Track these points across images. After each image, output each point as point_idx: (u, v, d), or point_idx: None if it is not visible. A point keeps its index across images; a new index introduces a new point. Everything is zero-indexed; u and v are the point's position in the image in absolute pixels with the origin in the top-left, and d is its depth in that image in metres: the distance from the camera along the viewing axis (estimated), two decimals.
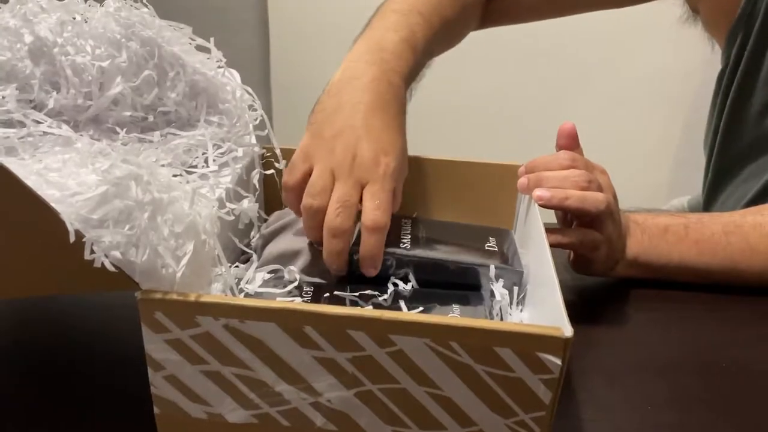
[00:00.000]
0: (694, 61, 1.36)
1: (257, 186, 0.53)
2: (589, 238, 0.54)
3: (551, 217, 0.58)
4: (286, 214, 0.57)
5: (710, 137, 0.78)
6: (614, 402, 0.47)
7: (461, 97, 1.47)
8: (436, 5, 0.63)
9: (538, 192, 0.51)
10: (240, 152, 0.51)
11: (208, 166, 0.49)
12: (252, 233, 0.53)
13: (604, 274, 0.59)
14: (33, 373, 0.48)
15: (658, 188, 1.44)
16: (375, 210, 0.45)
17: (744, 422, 0.46)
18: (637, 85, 1.44)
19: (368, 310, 0.37)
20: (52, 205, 0.34)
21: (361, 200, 0.45)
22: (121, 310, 0.53)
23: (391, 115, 0.50)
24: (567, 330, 0.35)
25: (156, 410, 0.40)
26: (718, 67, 0.75)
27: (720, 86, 0.74)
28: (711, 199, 0.79)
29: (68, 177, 0.35)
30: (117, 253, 0.35)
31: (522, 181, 0.54)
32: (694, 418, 0.46)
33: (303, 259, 0.51)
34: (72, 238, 0.33)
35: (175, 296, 0.36)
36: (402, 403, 0.38)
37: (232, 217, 0.42)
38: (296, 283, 0.47)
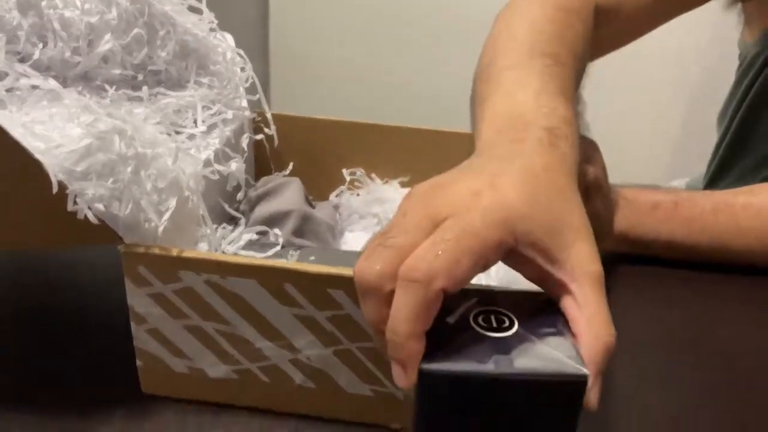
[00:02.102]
0: (701, 39, 1.34)
1: (246, 149, 0.53)
2: None
3: None
4: (274, 179, 0.57)
5: (730, 114, 0.77)
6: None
7: (457, 68, 1.46)
8: (570, 42, 0.49)
9: None
10: (230, 114, 0.51)
11: (197, 127, 0.49)
12: (239, 196, 0.54)
13: None
14: (19, 327, 0.48)
15: (659, 169, 1.44)
16: None
17: (726, 400, 0.46)
18: (642, 63, 1.43)
19: (347, 269, 0.37)
20: (37, 156, 0.34)
21: None
22: (107, 267, 0.53)
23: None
24: None
25: (138, 363, 0.41)
26: (727, 46, 0.75)
27: (752, 66, 0.73)
28: (716, 177, 0.79)
29: (54, 130, 0.36)
30: (100, 206, 0.35)
31: None
32: (674, 395, 0.47)
33: (292, 222, 0.51)
34: (55, 189, 0.33)
35: (157, 250, 0.37)
36: (379, 361, 0.39)
37: (217, 177, 0.42)
38: (279, 248, 0.47)
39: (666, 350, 0.51)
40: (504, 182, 0.31)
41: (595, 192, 0.54)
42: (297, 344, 0.39)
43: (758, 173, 0.71)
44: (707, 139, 0.85)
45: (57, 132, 0.35)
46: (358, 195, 0.62)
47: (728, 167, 0.77)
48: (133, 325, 0.40)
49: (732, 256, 0.59)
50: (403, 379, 0.28)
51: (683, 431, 0.43)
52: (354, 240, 0.58)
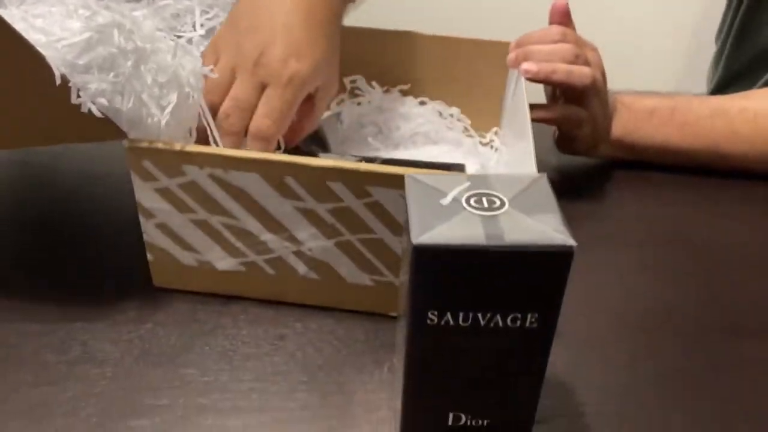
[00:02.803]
0: None
1: None
2: (573, 114, 0.55)
3: (541, 96, 0.58)
4: None
5: (725, 31, 0.76)
6: (583, 268, 0.49)
7: None
8: None
9: (525, 65, 0.51)
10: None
11: (195, 31, 0.49)
12: None
13: (587, 154, 0.60)
14: (31, 229, 0.50)
15: (668, 78, 1.42)
16: (264, 117, 0.42)
17: (708, 289, 0.48)
18: None
19: (347, 162, 0.38)
20: (38, 49, 0.35)
21: None
22: (115, 168, 0.55)
23: (317, 20, 0.45)
24: None
25: (149, 257, 0.43)
26: None
27: None
28: (719, 85, 0.78)
29: (54, 24, 0.36)
30: (103, 101, 0.36)
31: (511, 56, 0.54)
32: (659, 284, 0.49)
33: None
34: (58, 81, 0.34)
35: (161, 145, 0.38)
36: (379, 252, 0.41)
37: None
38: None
39: (651, 243, 0.53)
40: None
41: (593, 96, 0.55)
42: (299, 236, 0.41)
43: (758, 75, 0.70)
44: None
45: (57, 26, 0.35)
46: (358, 104, 0.63)
47: (729, 87, 0.76)
48: (142, 220, 0.41)
49: (727, 161, 0.60)
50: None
51: (673, 314, 0.45)
52: (355, 149, 0.59)
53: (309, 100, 0.46)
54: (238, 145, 0.43)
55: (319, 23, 0.45)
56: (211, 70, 0.42)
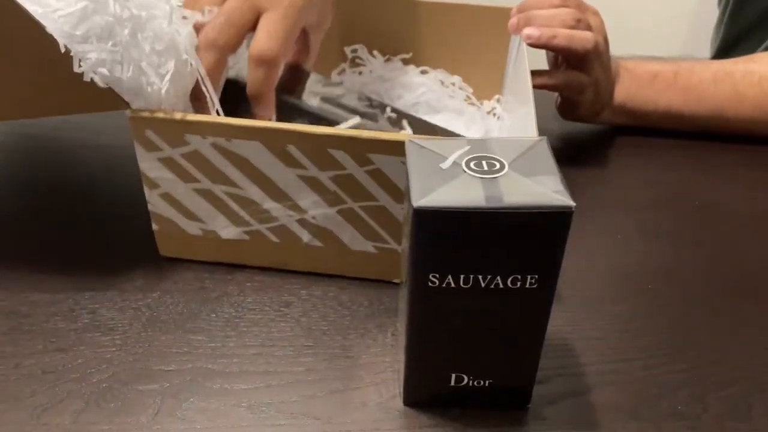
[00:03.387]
0: None
1: None
2: (575, 80, 0.55)
3: (543, 63, 0.58)
4: None
5: None
6: (584, 232, 0.49)
7: None
8: None
9: (526, 31, 0.51)
10: None
11: None
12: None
13: (590, 120, 0.60)
14: (37, 201, 0.51)
15: (674, 42, 1.40)
16: (266, 40, 0.41)
17: (709, 251, 0.49)
18: None
19: (347, 130, 0.39)
20: (38, 19, 0.35)
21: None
22: (119, 139, 0.55)
23: None
24: None
25: (154, 227, 0.44)
26: None
27: None
28: (723, 48, 0.77)
29: None
30: (104, 70, 0.36)
31: (512, 21, 0.53)
32: (660, 246, 0.49)
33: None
34: (62, 50, 0.34)
35: (162, 114, 0.38)
36: (381, 219, 0.41)
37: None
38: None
39: (652, 207, 0.53)
40: None
41: (595, 61, 0.54)
42: (302, 204, 0.41)
43: (759, 37, 0.70)
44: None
45: None
46: (360, 73, 0.63)
47: (730, 53, 0.76)
48: (146, 189, 0.42)
49: (731, 125, 0.60)
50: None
51: (674, 276, 0.46)
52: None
53: (303, 35, 0.46)
54: (217, 64, 0.41)
55: None
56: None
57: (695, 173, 0.58)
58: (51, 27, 0.34)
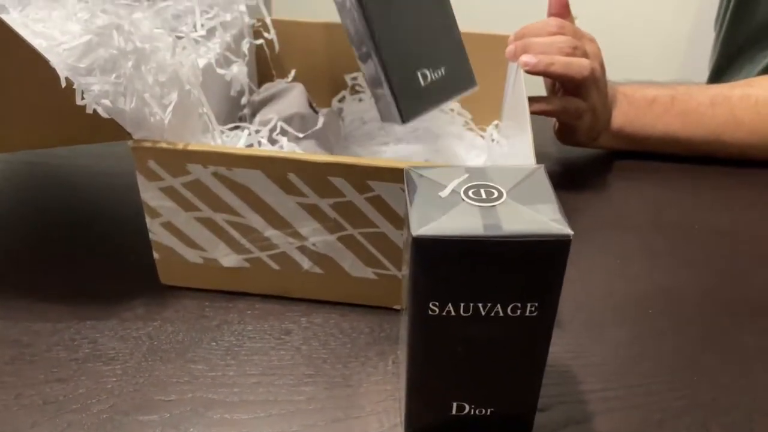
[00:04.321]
0: None
1: (246, 54, 0.54)
2: (572, 106, 0.55)
3: (541, 89, 0.59)
4: (276, 85, 0.58)
5: (721, 15, 0.76)
6: (583, 255, 0.49)
7: None
8: None
9: (524, 58, 0.52)
10: (228, 17, 0.52)
11: (196, 32, 0.49)
12: (243, 101, 0.55)
13: (588, 145, 0.61)
14: (39, 229, 0.51)
15: (670, 67, 1.42)
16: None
17: (708, 274, 0.49)
18: None
19: (347, 157, 0.39)
20: (42, 53, 0.35)
21: None
22: (121, 169, 0.56)
23: None
24: None
25: (155, 255, 0.44)
26: None
27: None
28: (719, 71, 0.78)
29: (54, 28, 0.37)
30: (107, 102, 0.36)
31: (510, 48, 0.54)
32: (659, 270, 0.49)
33: (295, 124, 0.53)
34: (63, 84, 0.34)
35: (165, 145, 0.39)
36: (381, 246, 0.41)
37: (224, 72, 0.43)
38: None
39: (651, 229, 0.53)
40: None
41: (592, 87, 0.55)
42: (303, 232, 0.41)
43: (753, 55, 0.70)
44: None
45: (57, 30, 0.36)
46: (360, 100, 0.63)
47: (726, 72, 0.76)
48: (147, 219, 0.42)
49: (728, 149, 0.61)
50: None
51: (673, 299, 0.46)
52: (357, 144, 0.59)
53: None
54: None
55: None
56: None
57: (694, 196, 0.58)
58: (55, 60, 0.35)
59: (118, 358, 0.40)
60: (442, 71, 0.47)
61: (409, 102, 0.46)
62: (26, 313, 0.43)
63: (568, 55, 0.52)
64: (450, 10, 0.50)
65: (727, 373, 0.40)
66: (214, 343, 0.41)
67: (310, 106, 0.58)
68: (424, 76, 0.46)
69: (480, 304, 0.30)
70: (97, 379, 0.39)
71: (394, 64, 0.46)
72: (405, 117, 0.44)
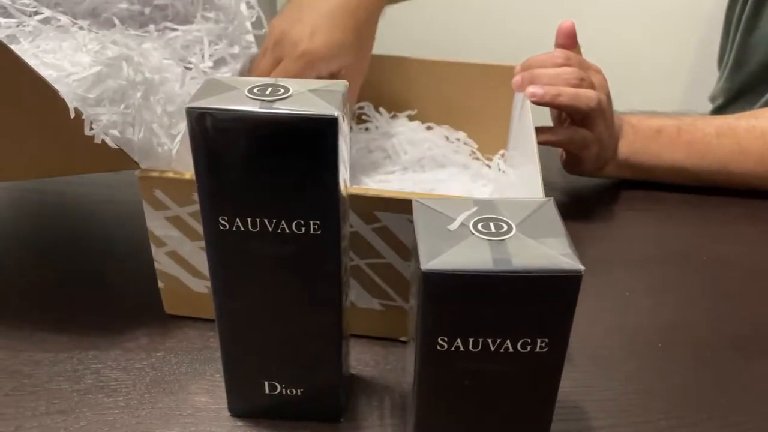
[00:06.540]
0: None
1: None
2: (579, 136, 0.55)
3: (547, 119, 0.59)
4: None
5: (726, 55, 0.77)
6: (591, 288, 0.49)
7: None
8: None
9: (531, 89, 0.52)
10: (236, 50, 0.52)
11: (204, 62, 0.50)
12: None
13: (594, 174, 0.61)
14: (43, 257, 0.51)
15: (673, 98, 1.43)
16: None
17: (717, 308, 0.48)
18: None
19: (354, 188, 0.39)
20: (51, 84, 0.35)
21: None
22: (127, 198, 0.56)
23: (347, 7, 0.50)
24: None
25: (160, 284, 0.44)
26: None
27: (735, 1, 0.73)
28: (722, 105, 0.79)
29: (64, 59, 0.37)
30: (115, 132, 0.37)
31: (516, 79, 0.54)
32: (668, 303, 0.48)
33: None
34: (72, 115, 0.35)
35: (172, 174, 0.39)
36: (388, 277, 0.41)
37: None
38: None
39: (668, 262, 0.53)
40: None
41: (598, 118, 0.55)
42: None
43: (760, 94, 0.71)
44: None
45: (67, 61, 0.36)
46: (366, 129, 0.64)
47: (731, 107, 0.77)
48: (153, 248, 0.42)
49: (734, 180, 0.60)
50: None
51: (682, 333, 0.45)
52: (363, 174, 0.59)
53: None
54: None
55: (347, 10, 0.49)
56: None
57: (701, 227, 0.58)
58: (64, 91, 0.35)
59: (120, 389, 0.39)
60: None
61: None
62: (27, 343, 0.42)
63: (574, 86, 0.53)
64: None
65: (737, 411, 0.40)
66: (218, 375, 0.41)
67: None
68: None
69: (489, 340, 0.30)
70: (99, 411, 0.38)
71: None
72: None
